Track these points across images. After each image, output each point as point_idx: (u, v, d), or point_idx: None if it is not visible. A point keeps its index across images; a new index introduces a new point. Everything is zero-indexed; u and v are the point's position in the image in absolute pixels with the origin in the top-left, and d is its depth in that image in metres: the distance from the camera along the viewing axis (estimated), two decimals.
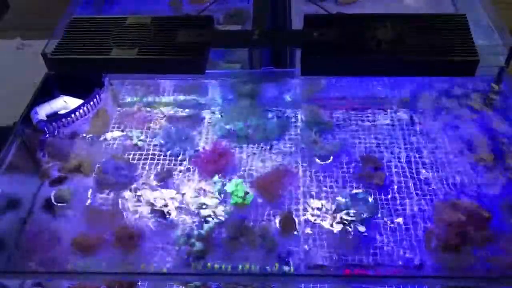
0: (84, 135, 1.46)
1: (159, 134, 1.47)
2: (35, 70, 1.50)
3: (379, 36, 1.04)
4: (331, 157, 1.38)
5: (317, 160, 1.38)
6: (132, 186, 1.33)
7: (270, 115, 1.50)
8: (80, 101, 1.48)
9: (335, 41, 1.04)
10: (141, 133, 1.49)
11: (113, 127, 1.51)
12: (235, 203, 1.27)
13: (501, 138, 1.38)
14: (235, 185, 1.30)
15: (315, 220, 1.24)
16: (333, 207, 1.25)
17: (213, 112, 1.54)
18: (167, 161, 1.41)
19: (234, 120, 1.47)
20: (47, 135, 1.42)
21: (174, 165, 1.39)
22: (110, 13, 1.75)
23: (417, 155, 1.37)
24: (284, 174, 1.33)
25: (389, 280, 1.16)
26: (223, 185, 1.32)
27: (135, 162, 1.41)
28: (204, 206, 1.28)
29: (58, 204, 1.29)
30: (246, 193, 1.29)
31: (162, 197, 1.30)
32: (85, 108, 1.48)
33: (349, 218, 1.22)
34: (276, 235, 1.21)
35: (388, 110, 1.51)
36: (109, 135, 1.48)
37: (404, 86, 1.53)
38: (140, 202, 1.30)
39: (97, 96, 1.51)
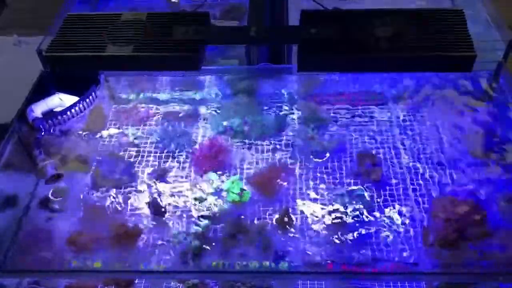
0: (80, 132, 1.45)
1: (156, 131, 1.47)
2: (31, 67, 1.49)
3: (376, 32, 1.03)
4: (328, 153, 1.37)
5: (313, 156, 1.37)
6: (129, 183, 1.33)
7: (267, 111, 1.50)
8: (75, 99, 1.48)
9: (332, 37, 1.04)
10: (137, 130, 1.48)
11: (109, 125, 1.50)
12: (232, 200, 1.27)
13: (498, 133, 1.37)
14: (232, 182, 1.30)
15: (312, 216, 1.23)
16: (330, 203, 1.25)
17: (210, 109, 1.53)
18: (163, 158, 1.40)
19: (231, 116, 1.46)
20: (43, 133, 1.41)
21: (171, 162, 1.39)
22: (106, 10, 1.74)
23: (414, 151, 1.37)
24: (281, 171, 1.33)
25: (387, 277, 1.16)
26: (220, 181, 1.31)
27: (131, 159, 1.40)
28: (200, 203, 1.27)
29: (55, 202, 1.29)
30: (243, 190, 1.29)
31: (159, 194, 1.30)
32: (80, 106, 1.47)
33: (346, 214, 1.22)
34: (273, 232, 1.20)
35: (385, 106, 1.50)
36: (105, 133, 1.47)
37: (401, 82, 1.52)
38: (137, 199, 1.29)
39: (93, 93, 1.51)
